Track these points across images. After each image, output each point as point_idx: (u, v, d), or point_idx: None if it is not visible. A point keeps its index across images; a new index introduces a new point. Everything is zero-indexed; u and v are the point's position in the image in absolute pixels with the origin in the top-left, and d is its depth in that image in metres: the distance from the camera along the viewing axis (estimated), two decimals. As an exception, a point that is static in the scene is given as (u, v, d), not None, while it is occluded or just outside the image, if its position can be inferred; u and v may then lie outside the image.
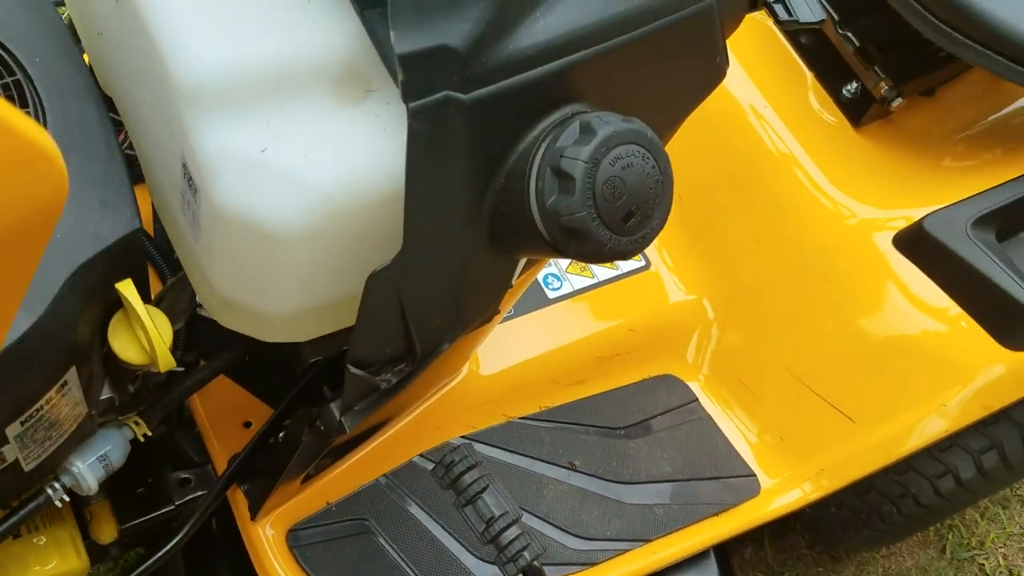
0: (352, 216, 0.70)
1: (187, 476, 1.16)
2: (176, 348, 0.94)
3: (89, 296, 0.75)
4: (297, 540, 1.13)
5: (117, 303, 0.80)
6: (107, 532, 1.07)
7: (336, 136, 0.68)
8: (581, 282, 1.47)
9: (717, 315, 1.46)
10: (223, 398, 1.18)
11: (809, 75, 1.44)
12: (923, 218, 1.29)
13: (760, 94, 1.42)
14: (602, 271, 1.49)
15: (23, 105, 0.77)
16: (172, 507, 1.13)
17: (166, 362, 0.77)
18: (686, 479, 1.38)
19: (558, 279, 1.46)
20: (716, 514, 1.37)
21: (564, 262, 1.48)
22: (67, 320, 0.72)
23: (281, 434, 1.14)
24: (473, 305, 0.84)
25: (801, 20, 0.84)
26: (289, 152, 0.67)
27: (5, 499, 0.83)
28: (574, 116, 0.66)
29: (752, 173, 1.41)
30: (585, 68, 0.67)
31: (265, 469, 1.11)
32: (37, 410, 0.74)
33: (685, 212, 1.45)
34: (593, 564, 1.27)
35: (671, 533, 1.33)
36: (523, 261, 0.86)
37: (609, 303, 1.44)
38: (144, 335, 0.78)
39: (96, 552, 1.07)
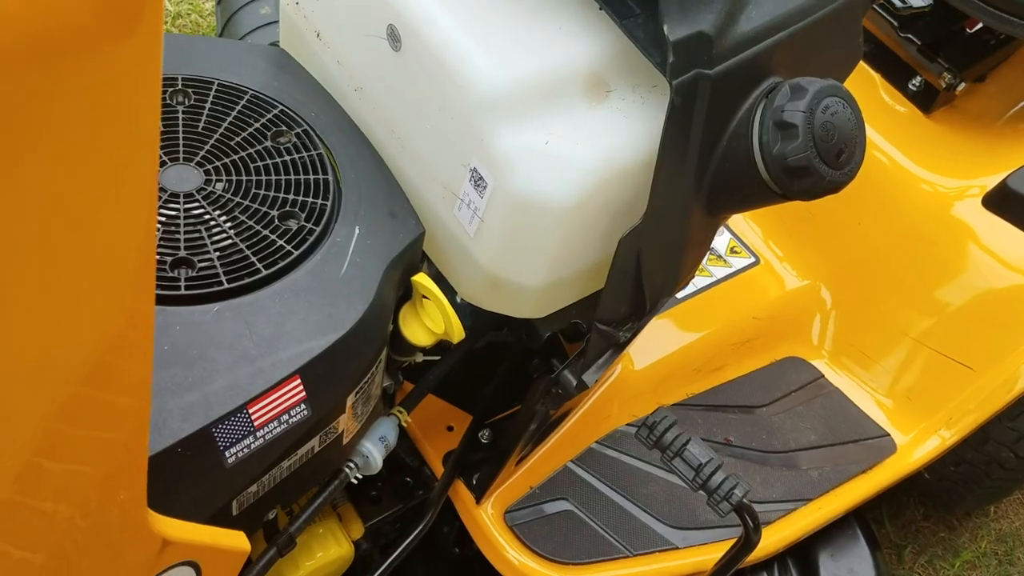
0: (607, 187, 0.88)
1: (407, 479, 1.31)
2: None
3: (395, 287, 0.92)
4: (513, 520, 1.27)
5: (403, 298, 0.97)
6: (355, 529, 1.21)
7: (592, 128, 0.87)
8: (701, 281, 1.64)
9: (833, 295, 1.62)
10: (426, 410, 1.34)
11: (877, 77, 1.64)
12: (1007, 178, 1.47)
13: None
14: (718, 270, 1.67)
15: (314, 148, 0.96)
16: (401, 505, 1.28)
17: (459, 331, 0.94)
18: (830, 444, 1.52)
19: (683, 281, 1.63)
20: (863, 472, 1.51)
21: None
22: (386, 305, 0.90)
23: (483, 431, 1.30)
24: (685, 264, 1.01)
25: (915, 6, 1.03)
26: (563, 142, 0.85)
27: (323, 476, 0.98)
28: (778, 84, 0.85)
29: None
30: (781, 46, 0.86)
31: (483, 460, 1.26)
32: (366, 383, 0.90)
33: (784, 209, 1.63)
34: (768, 523, 1.40)
35: (829, 491, 1.46)
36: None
37: (731, 297, 1.61)
38: (432, 320, 0.95)
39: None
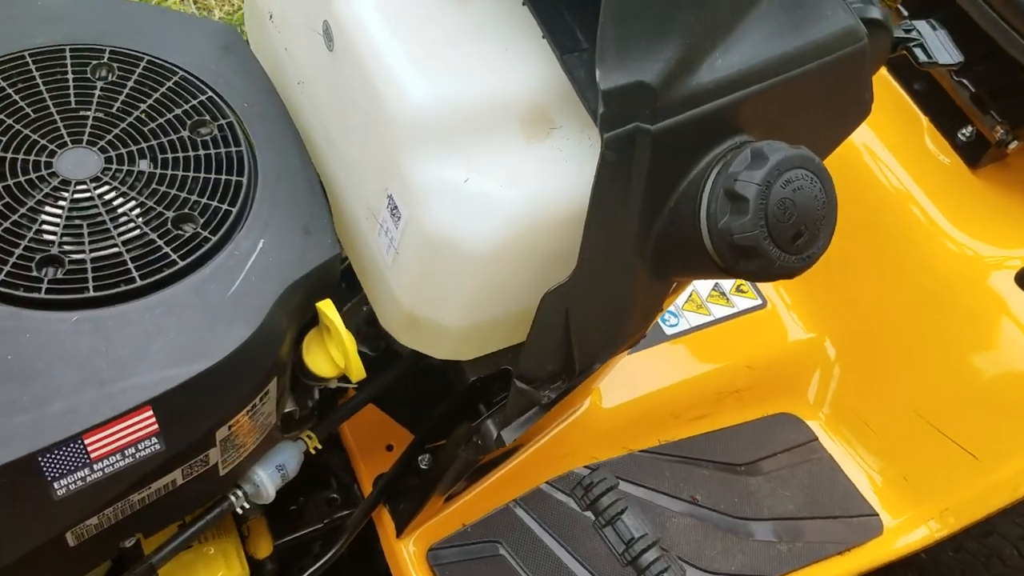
0: (532, 236, 0.77)
1: (334, 496, 1.23)
2: None
3: (293, 313, 0.83)
4: (437, 559, 1.18)
5: (310, 323, 0.88)
6: (263, 548, 1.13)
7: (525, 168, 0.76)
8: (697, 319, 1.51)
9: (838, 354, 1.48)
10: (367, 423, 1.26)
11: (924, 120, 1.48)
12: (1046, 256, 1.31)
13: (877, 138, 1.47)
14: (718, 308, 1.54)
15: (235, 144, 0.87)
16: (321, 525, 1.20)
17: (359, 373, 0.85)
18: (809, 517, 1.39)
19: (675, 316, 1.51)
20: (840, 553, 1.38)
21: (680, 298, 1.53)
22: (276, 334, 0.80)
23: (423, 456, 1.21)
24: (627, 326, 0.90)
25: (940, 62, 0.89)
26: (487, 182, 0.74)
27: (198, 504, 0.91)
28: (744, 144, 0.73)
29: (870, 213, 1.45)
30: (753, 102, 0.73)
31: (413, 489, 1.17)
32: (243, 416, 0.82)
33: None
34: (719, 597, 1.29)
35: (796, 571, 1.34)
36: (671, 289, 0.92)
37: (726, 340, 1.48)
38: (336, 351, 0.86)
39: (251, 567, 1.14)
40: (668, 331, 1.49)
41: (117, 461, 0.73)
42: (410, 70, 0.75)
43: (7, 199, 0.79)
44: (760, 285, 1.59)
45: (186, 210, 0.82)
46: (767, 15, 0.73)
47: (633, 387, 1.41)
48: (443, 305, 0.82)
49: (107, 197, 0.81)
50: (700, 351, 1.48)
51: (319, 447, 1.00)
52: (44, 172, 0.81)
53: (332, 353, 0.87)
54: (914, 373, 1.43)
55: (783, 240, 0.70)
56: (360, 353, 1.03)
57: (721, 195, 0.71)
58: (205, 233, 0.81)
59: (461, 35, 0.77)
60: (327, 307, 0.84)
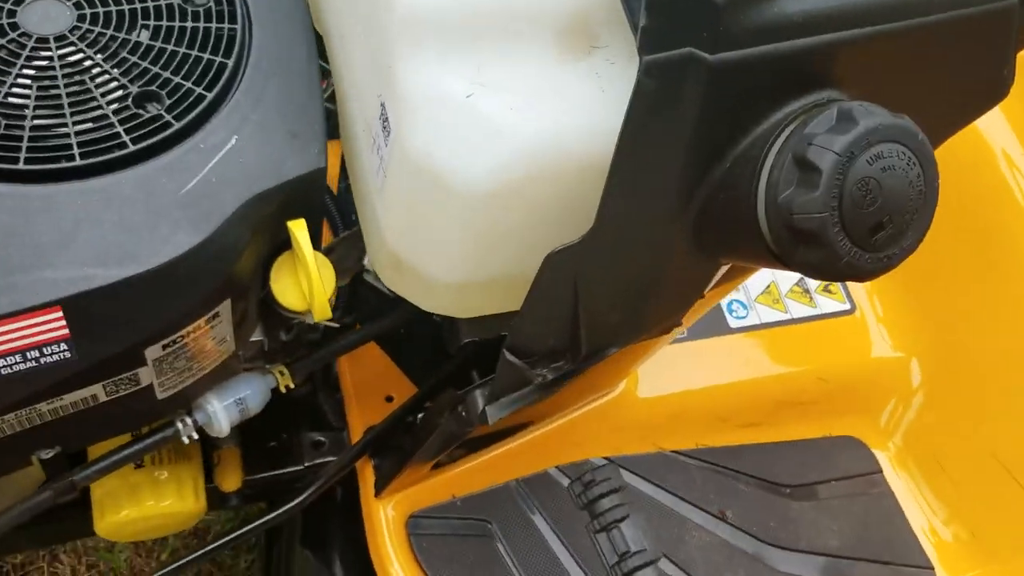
0: (545, 181, 0.62)
1: (321, 439, 1.12)
2: (336, 306, 0.89)
3: (259, 228, 0.70)
4: (416, 527, 1.06)
5: (285, 244, 0.75)
6: (231, 480, 1.04)
7: (548, 91, 0.60)
8: (770, 315, 1.33)
9: (924, 379, 1.29)
10: (371, 367, 1.14)
11: (1081, 125, 1.24)
12: None
13: (1015, 137, 1.25)
14: (797, 307, 1.35)
15: (231, 21, 0.74)
16: (301, 467, 1.10)
17: (322, 312, 0.72)
18: (853, 558, 1.22)
19: (744, 307, 1.33)
20: (881, 605, 1.20)
21: (754, 288, 1.35)
22: (232, 248, 0.68)
23: (421, 415, 1.08)
24: (656, 309, 0.74)
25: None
26: (495, 102, 0.59)
27: (133, 425, 0.81)
28: (831, 102, 0.55)
29: (995, 227, 1.23)
30: (854, 49, 0.55)
31: (400, 447, 1.05)
32: (182, 336, 0.70)
33: (909, 259, 1.28)
34: (730, 634, 1.13)
35: (826, 616, 1.17)
36: (721, 271, 0.75)
37: (800, 344, 1.30)
38: (307, 281, 0.73)
39: (215, 498, 1.04)
40: (733, 323, 1.32)
41: (16, 363, 0.62)
42: (424, -52, 0.60)
43: (-46, 45, 0.68)
44: (852, 288, 1.39)
45: (153, 87, 0.70)
46: (893, -65, 0.55)
47: (678, 379, 1.25)
48: (430, 252, 0.68)
49: (69, 59, 0.70)
50: (767, 351, 1.30)
51: (291, 386, 0.88)
52: (4, 21, 0.70)
53: (302, 283, 0.74)
54: (1008, 418, 1.22)
55: (858, 230, 0.52)
56: (373, 289, 0.90)
57: (789, 161, 0.54)
58: (168, 117, 0.69)
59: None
60: (297, 227, 0.71)
